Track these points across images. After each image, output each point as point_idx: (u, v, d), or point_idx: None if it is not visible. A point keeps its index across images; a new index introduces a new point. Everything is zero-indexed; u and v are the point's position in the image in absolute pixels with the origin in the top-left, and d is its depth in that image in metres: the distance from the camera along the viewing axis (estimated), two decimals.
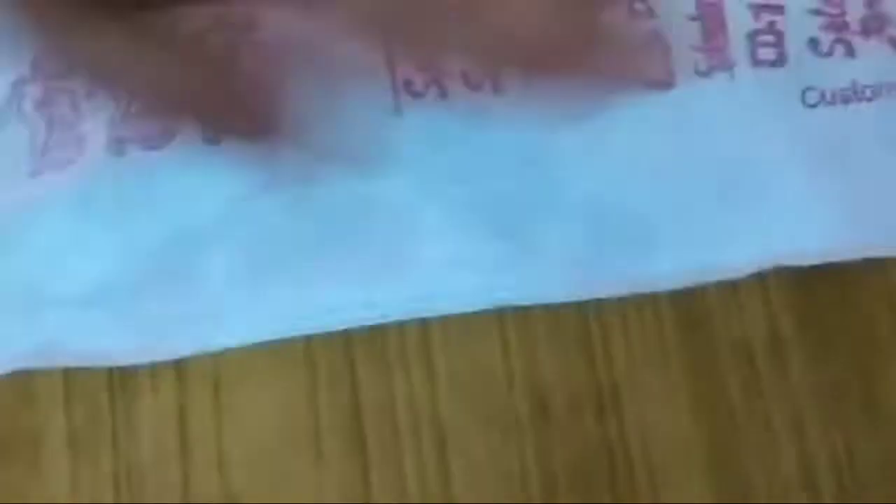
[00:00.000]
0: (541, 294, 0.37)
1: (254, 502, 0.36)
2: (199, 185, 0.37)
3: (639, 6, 0.38)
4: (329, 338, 0.37)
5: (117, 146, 0.37)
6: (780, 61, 0.38)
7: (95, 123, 0.38)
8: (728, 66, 0.38)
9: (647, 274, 0.37)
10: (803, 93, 0.38)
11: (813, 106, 0.38)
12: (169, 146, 0.37)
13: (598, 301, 0.38)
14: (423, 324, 0.37)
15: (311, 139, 0.33)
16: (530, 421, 0.37)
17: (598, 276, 0.37)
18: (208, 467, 0.36)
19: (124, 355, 0.37)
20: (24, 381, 0.37)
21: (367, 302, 0.37)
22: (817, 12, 0.38)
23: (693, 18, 0.38)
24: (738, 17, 0.38)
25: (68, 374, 0.37)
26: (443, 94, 0.38)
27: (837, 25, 0.38)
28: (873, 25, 0.38)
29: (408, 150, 0.37)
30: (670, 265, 0.37)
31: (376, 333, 0.37)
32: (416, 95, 0.38)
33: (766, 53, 0.38)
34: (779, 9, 0.38)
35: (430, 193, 0.37)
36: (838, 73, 0.38)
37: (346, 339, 0.37)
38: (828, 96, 0.38)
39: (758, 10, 0.38)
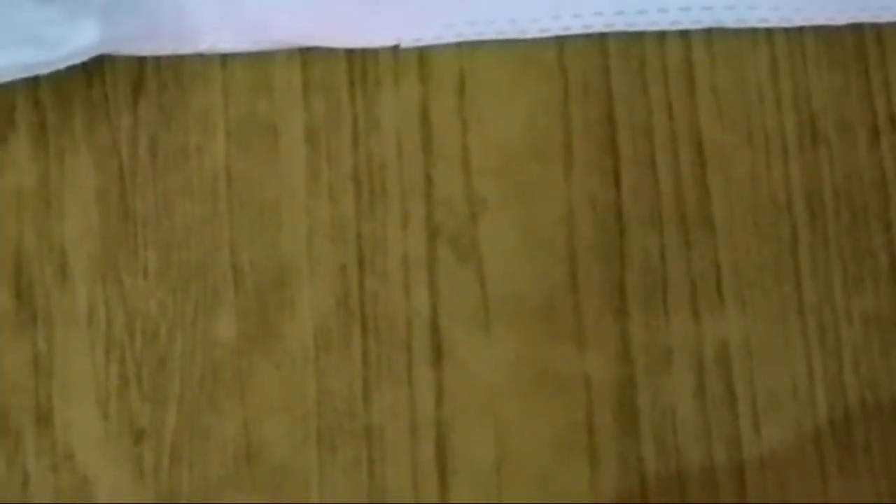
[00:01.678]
0: (752, 15, 0.35)
1: (501, 208, 0.34)
2: None
3: None
4: (583, 48, 0.35)
5: None
6: None
7: None
8: None
9: (868, 5, 0.35)
10: None
11: None
12: None
13: (876, 25, 0.35)
14: (685, 39, 0.35)
15: None
16: (797, 142, 0.35)
17: (817, 2, 0.35)
18: (452, 169, 0.34)
19: (318, 42, 0.35)
20: (261, 70, 0.35)
21: (577, 11, 0.35)
22: None
23: None
24: None
25: (307, 64, 0.35)
26: None
27: None
28: None
29: None
30: None
31: (633, 46, 0.35)
32: None
33: None
34: None
35: None
36: None
37: (601, 50, 0.35)
38: None
39: None
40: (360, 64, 0.35)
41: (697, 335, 0.33)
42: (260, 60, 0.35)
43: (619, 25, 0.35)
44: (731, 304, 0.34)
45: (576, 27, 0.35)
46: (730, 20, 0.35)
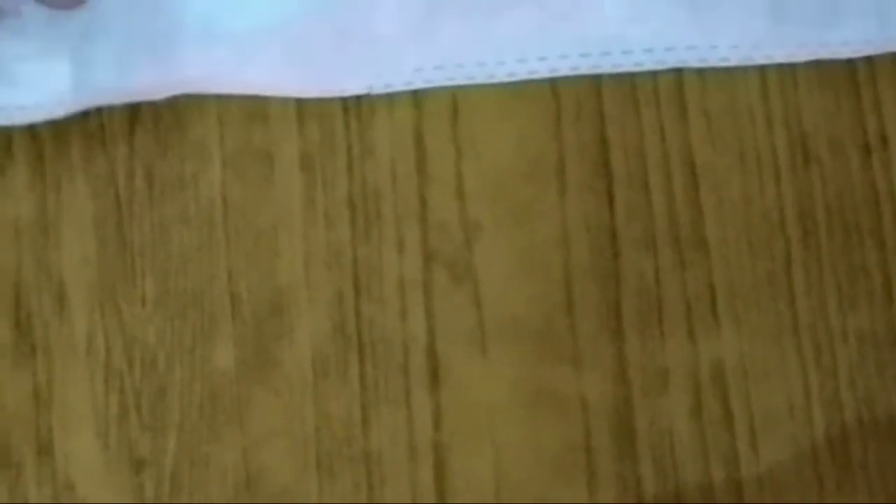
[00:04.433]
0: (714, 55, 0.35)
1: (496, 231, 0.34)
2: None
3: None
4: (576, 78, 0.35)
5: None
6: None
7: None
8: None
9: (828, 41, 0.35)
10: None
11: None
12: None
13: None
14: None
15: None
16: (789, 161, 0.35)
17: (776, 40, 0.35)
18: (447, 194, 0.35)
19: (291, 90, 0.35)
20: (256, 99, 0.35)
21: (543, 55, 0.35)
22: None
23: None
24: None
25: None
26: None
27: None
28: None
29: None
30: (852, 33, 0.35)
31: (625, 75, 0.35)
32: None
33: None
34: None
35: None
36: None
37: (593, 79, 0.35)
38: None
39: None
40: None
41: (693, 355, 0.34)
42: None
43: (584, 69, 0.35)
44: (727, 324, 0.34)
45: (542, 71, 0.35)
46: (693, 60, 0.35)
